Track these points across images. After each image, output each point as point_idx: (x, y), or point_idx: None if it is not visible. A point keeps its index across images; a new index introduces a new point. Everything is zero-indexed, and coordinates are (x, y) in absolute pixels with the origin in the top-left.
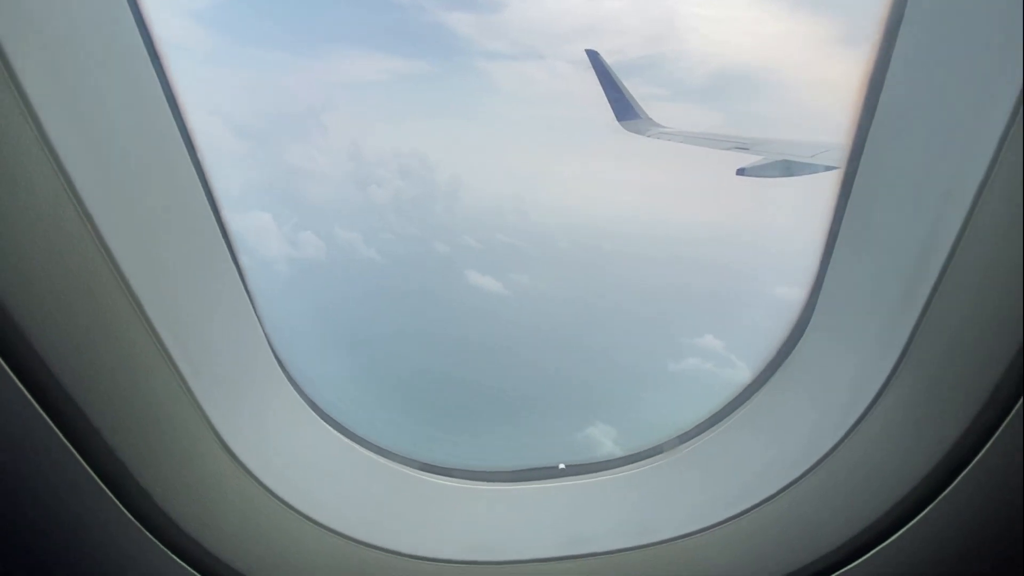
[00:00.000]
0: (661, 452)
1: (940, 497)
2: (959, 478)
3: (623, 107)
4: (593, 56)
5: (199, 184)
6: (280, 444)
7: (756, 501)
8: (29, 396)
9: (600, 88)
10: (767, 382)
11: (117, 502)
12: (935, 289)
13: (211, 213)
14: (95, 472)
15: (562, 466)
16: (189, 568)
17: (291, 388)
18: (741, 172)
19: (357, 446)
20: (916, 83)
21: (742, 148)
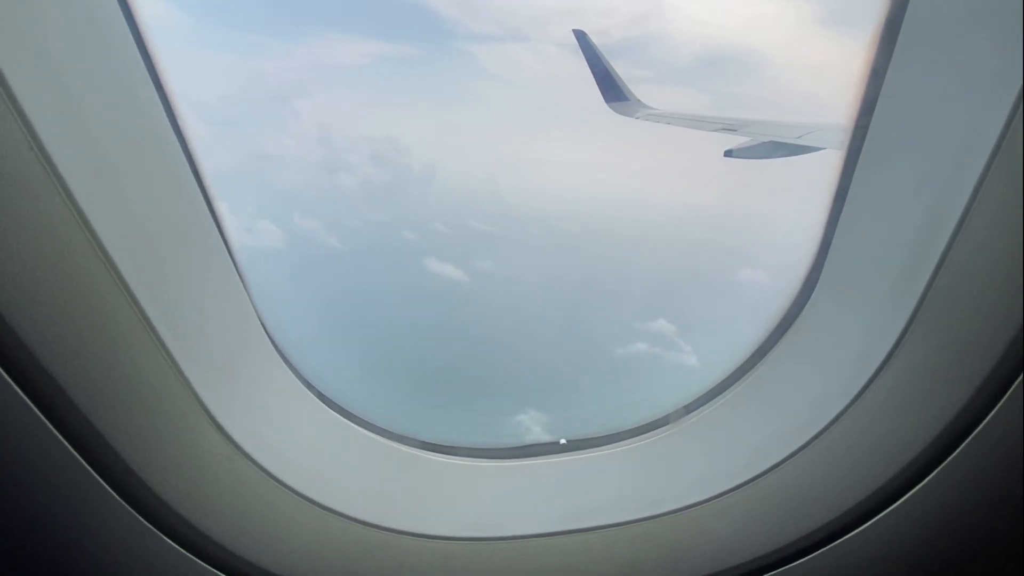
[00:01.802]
0: (666, 424)
1: (944, 463)
2: (963, 444)
3: (611, 88)
4: (581, 36)
5: (187, 165)
6: (275, 423)
7: (761, 470)
8: (7, 376)
9: (587, 69)
10: (772, 349)
11: (105, 485)
12: (945, 253)
13: (199, 193)
14: (80, 454)
15: (563, 441)
16: (183, 551)
17: (285, 367)
18: (728, 154)
19: (354, 424)
20: (929, 45)
21: (730, 129)
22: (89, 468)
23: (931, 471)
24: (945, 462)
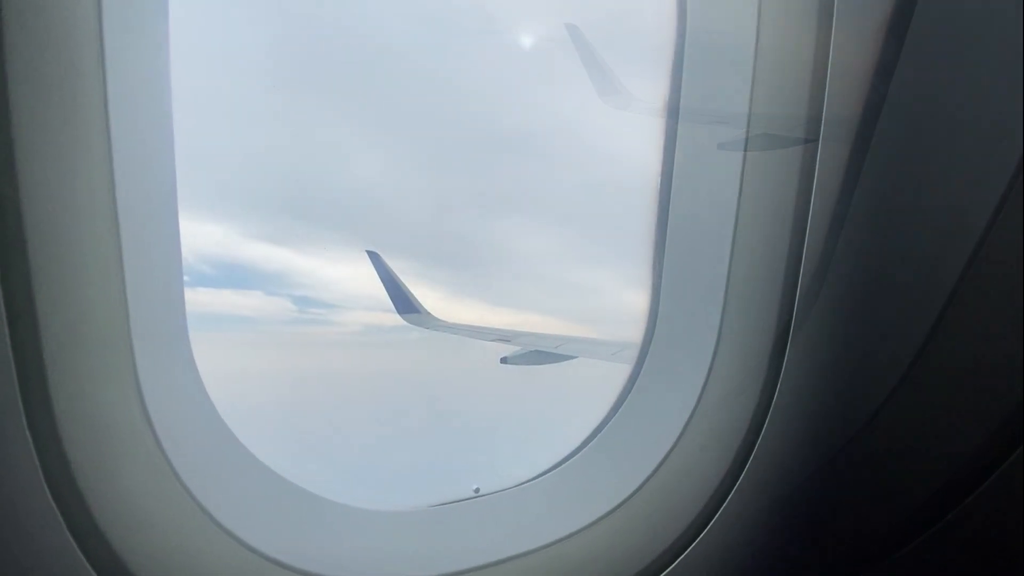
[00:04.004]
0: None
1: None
2: None
3: (403, 303)
4: (375, 258)
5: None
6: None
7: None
8: None
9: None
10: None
11: None
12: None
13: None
14: None
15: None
16: None
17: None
18: (504, 361)
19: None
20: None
21: (504, 340)
22: None
23: None
24: None
